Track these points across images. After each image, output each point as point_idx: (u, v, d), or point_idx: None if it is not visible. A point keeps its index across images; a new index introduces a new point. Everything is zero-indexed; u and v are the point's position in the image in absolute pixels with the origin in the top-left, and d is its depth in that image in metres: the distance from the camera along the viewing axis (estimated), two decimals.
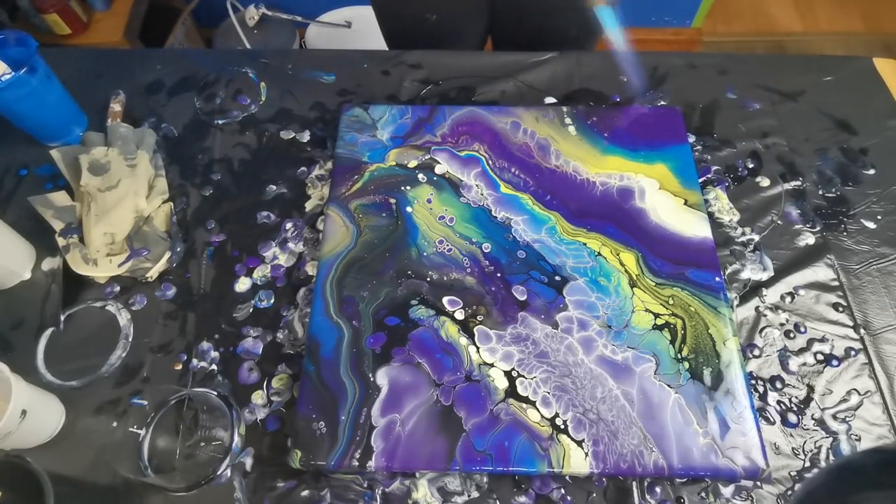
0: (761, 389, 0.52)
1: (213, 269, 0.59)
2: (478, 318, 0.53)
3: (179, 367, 0.53)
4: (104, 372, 0.53)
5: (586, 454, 0.46)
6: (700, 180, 0.62)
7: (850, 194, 0.63)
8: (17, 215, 0.62)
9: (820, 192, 0.63)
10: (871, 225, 0.61)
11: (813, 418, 0.51)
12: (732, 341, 0.51)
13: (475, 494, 0.48)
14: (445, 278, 0.55)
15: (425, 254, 0.56)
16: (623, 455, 0.46)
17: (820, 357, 0.54)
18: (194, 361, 0.54)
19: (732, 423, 0.47)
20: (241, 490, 0.48)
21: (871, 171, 0.64)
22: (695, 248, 0.56)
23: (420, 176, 0.61)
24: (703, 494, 0.48)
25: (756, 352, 0.54)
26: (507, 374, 0.50)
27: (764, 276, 0.58)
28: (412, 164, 0.61)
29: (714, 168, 0.65)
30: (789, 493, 0.48)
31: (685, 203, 0.59)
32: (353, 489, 0.48)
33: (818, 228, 0.61)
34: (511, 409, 0.48)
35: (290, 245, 0.60)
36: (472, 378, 0.50)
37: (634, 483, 0.48)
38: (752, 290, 0.57)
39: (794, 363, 0.53)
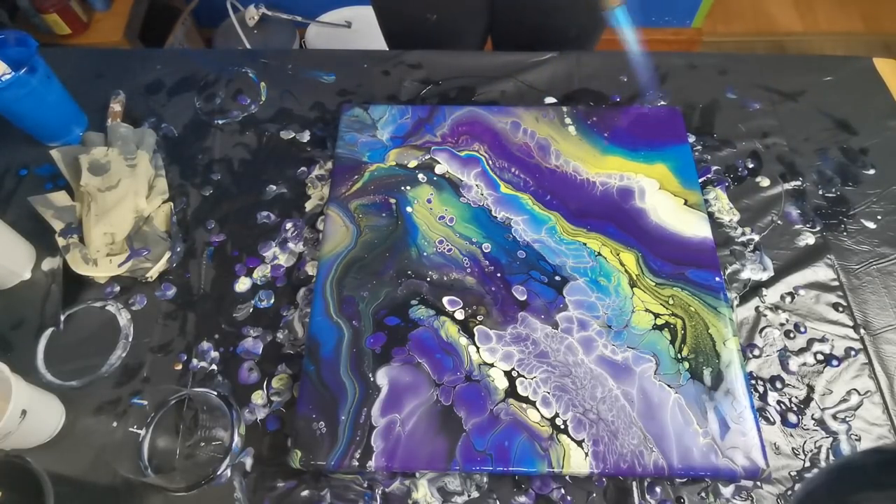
0: (761, 389, 0.52)
1: (213, 269, 0.59)
2: (478, 318, 0.53)
3: (179, 367, 0.53)
4: (104, 372, 0.53)
5: (586, 454, 0.46)
6: (700, 180, 0.62)
7: (850, 194, 0.63)
8: (17, 215, 0.62)
9: (820, 192, 0.63)
10: (871, 225, 0.61)
11: (813, 418, 0.51)
12: (732, 341, 0.51)
13: (475, 494, 0.48)
14: (445, 278, 0.55)
15: (425, 254, 0.56)
16: (623, 455, 0.46)
17: (820, 357, 0.54)
18: (194, 361, 0.54)
19: (732, 423, 0.47)
20: (241, 490, 0.48)
21: (871, 171, 0.64)
22: (695, 248, 0.56)
23: (420, 176, 0.61)
24: (703, 494, 0.48)
25: (756, 352, 0.54)
26: (507, 374, 0.50)
27: (764, 276, 0.58)
28: (412, 164, 0.61)
29: (714, 168, 0.65)
30: (789, 493, 0.48)
31: (685, 203, 0.59)
32: (353, 489, 0.48)
33: (818, 228, 0.61)
34: (511, 409, 0.48)
35: (290, 245, 0.60)
36: (472, 378, 0.50)
37: (634, 483, 0.48)
38: (752, 290, 0.57)
39: (794, 363, 0.53)
